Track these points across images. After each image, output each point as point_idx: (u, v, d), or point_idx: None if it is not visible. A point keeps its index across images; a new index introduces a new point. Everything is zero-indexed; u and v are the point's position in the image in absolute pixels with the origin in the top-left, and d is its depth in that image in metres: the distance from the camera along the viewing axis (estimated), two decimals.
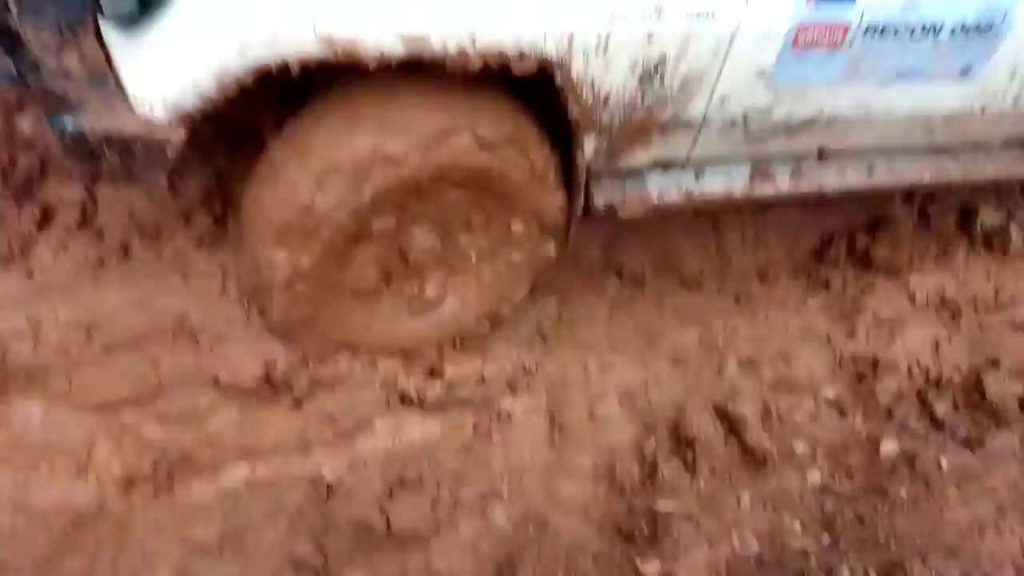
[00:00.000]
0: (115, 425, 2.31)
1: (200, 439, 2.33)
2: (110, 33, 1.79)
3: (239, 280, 2.49)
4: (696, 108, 2.21)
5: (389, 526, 2.10)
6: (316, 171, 1.96)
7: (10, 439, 2.21)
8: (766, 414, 2.43)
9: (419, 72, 1.85)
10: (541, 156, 2.18)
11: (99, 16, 1.76)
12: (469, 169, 2.09)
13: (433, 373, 2.50)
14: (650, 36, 1.94)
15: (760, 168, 2.62)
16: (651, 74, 2.05)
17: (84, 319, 2.34)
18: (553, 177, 2.25)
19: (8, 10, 1.59)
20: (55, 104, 1.73)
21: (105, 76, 1.82)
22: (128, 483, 2.19)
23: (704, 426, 2.33)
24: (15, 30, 1.62)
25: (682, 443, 2.32)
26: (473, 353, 2.60)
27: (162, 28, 1.71)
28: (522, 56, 1.85)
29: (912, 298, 3.16)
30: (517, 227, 2.36)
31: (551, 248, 2.46)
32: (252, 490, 2.11)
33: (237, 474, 2.14)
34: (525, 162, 2.14)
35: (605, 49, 1.93)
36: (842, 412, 2.59)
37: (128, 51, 1.76)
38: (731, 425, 2.40)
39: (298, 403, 2.38)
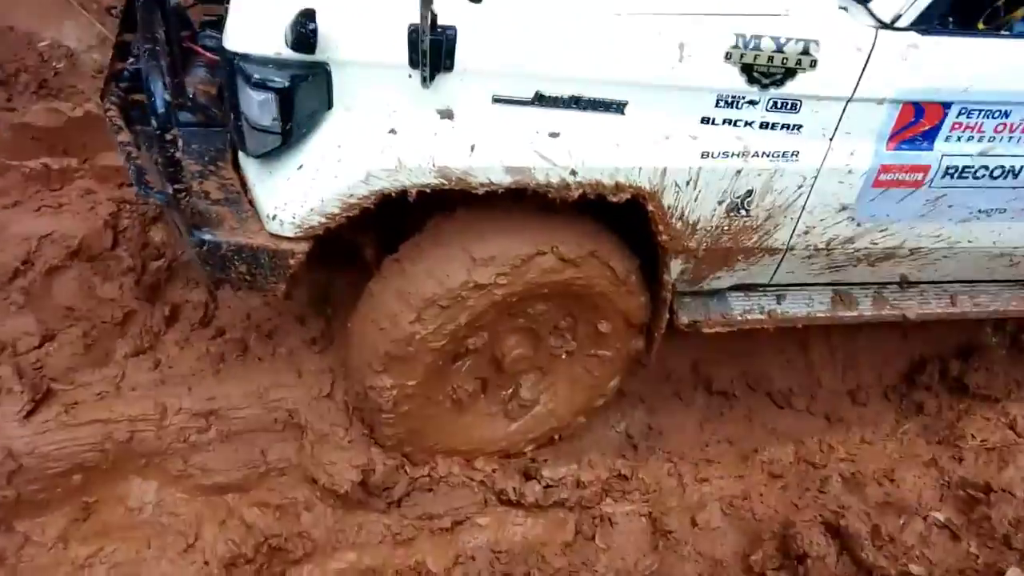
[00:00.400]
0: (222, 508, 2.39)
1: (294, 532, 2.37)
2: (247, 162, 2.06)
3: (346, 387, 2.61)
4: (780, 237, 2.32)
5: None
6: (415, 305, 2.12)
7: (126, 516, 2.31)
8: (876, 533, 2.35)
9: (504, 201, 2.01)
10: (622, 265, 2.30)
11: (240, 150, 2.04)
12: (554, 284, 2.22)
13: (529, 475, 2.52)
14: (738, 172, 2.08)
15: (841, 293, 2.68)
16: (738, 206, 2.17)
17: (205, 408, 2.47)
18: (636, 281, 2.36)
19: (176, 144, 1.85)
20: (196, 220, 1.97)
21: (239, 198, 2.08)
22: (231, 565, 2.23)
23: (815, 541, 2.26)
24: (179, 159, 1.87)
25: (792, 557, 2.24)
26: (568, 457, 2.62)
27: (297, 158, 1.94)
28: (618, 187, 2.00)
29: (1013, 426, 3.06)
30: (604, 327, 2.45)
31: (639, 342, 2.53)
32: None
33: (345, 560, 2.16)
34: (607, 272, 2.26)
35: (695, 183, 2.07)
36: (955, 536, 2.47)
37: (263, 176, 2.00)
38: (843, 542, 2.32)
39: (396, 504, 2.43)
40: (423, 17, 1.71)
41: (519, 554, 2.21)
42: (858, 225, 2.34)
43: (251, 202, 2.04)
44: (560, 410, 2.59)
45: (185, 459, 2.44)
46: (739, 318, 2.54)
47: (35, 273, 2.84)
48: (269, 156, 1.96)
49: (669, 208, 2.11)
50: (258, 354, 2.70)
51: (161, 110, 1.78)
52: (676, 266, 2.34)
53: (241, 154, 2.09)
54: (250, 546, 2.32)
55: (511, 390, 2.58)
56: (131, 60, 2.44)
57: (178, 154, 1.85)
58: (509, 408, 2.56)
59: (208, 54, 2.38)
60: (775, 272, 2.50)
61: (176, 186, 1.87)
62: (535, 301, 2.32)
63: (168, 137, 1.80)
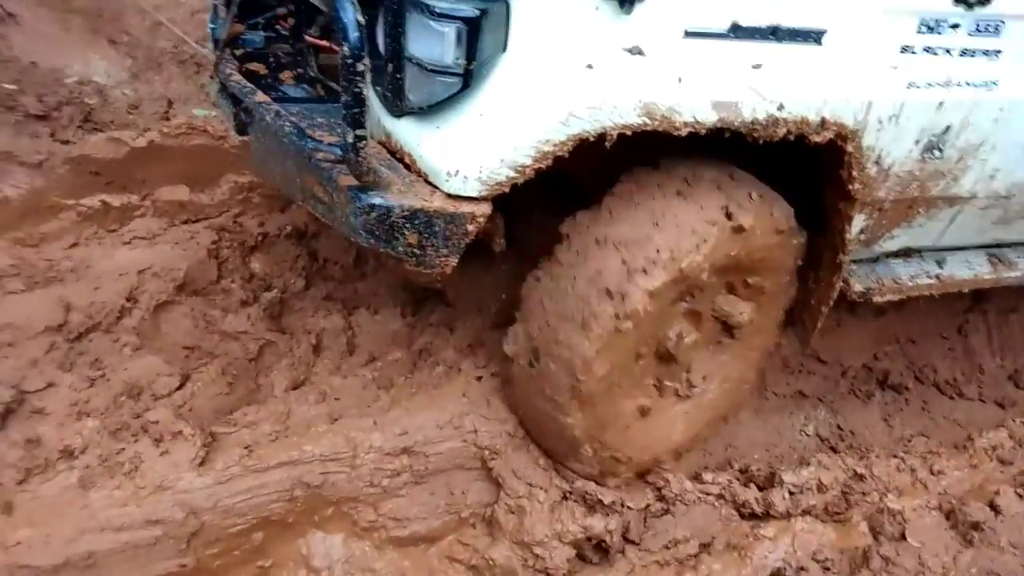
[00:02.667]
0: (423, 562, 2.02)
1: None
2: (397, 125, 1.77)
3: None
4: (966, 183, 2.20)
5: None
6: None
7: None
8: None
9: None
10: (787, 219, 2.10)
11: (389, 110, 1.76)
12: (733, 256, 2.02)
13: (761, 485, 2.25)
14: (940, 105, 1.96)
15: (997, 255, 2.61)
16: (934, 144, 2.05)
17: (397, 445, 2.10)
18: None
19: (364, 78, 1.53)
20: (369, 180, 1.66)
21: (393, 163, 1.78)
22: None
23: None
24: (365, 97, 1.55)
25: None
26: (785, 463, 2.38)
27: (475, 106, 1.69)
28: (823, 125, 1.85)
29: None
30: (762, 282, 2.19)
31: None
32: None
33: None
34: (777, 236, 2.07)
35: (898, 118, 1.94)
36: None
37: (429, 133, 1.73)
38: None
39: (634, 543, 2.10)
40: None
41: (829, 560, 1.92)
42: None
43: (409, 166, 1.76)
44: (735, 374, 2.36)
45: (376, 506, 2.04)
46: (909, 284, 2.41)
47: (142, 311, 2.42)
48: (436, 108, 1.69)
49: (867, 150, 1.95)
50: (424, 379, 2.34)
51: (354, 34, 1.48)
52: (858, 222, 2.14)
53: (384, 118, 1.79)
54: None
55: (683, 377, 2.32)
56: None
57: (366, 91, 1.54)
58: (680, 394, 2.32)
59: (322, 42, 2.16)
60: (946, 229, 2.37)
61: (358, 131, 1.55)
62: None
63: (359, 68, 1.49)
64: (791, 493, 2.17)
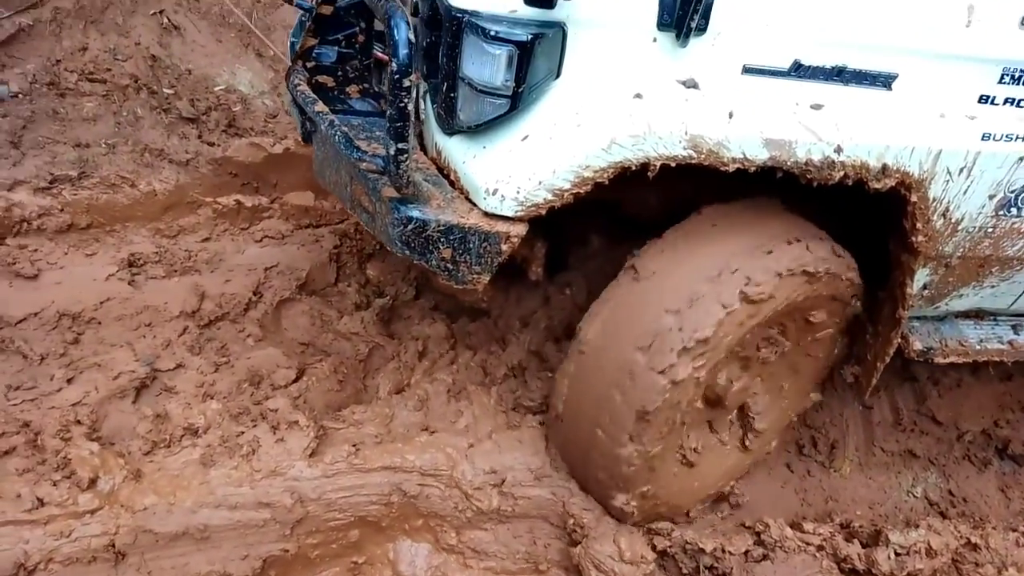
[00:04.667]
0: None
1: None
2: (447, 142, 1.79)
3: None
4: None
5: None
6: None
7: None
8: None
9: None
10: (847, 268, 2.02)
11: (443, 127, 1.78)
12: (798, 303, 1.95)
13: (864, 541, 2.16)
14: (1020, 160, 1.82)
15: None
16: (1010, 202, 1.91)
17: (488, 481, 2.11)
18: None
19: (410, 94, 1.57)
20: (409, 192, 1.68)
21: (439, 179, 1.81)
22: None
23: None
24: (409, 112, 1.57)
25: None
26: (889, 523, 2.27)
27: (520, 128, 1.69)
28: (884, 171, 1.74)
29: None
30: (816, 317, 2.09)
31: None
32: None
33: None
34: (839, 283, 1.99)
35: (969, 171, 1.81)
36: None
37: (474, 151, 1.74)
38: None
39: None
40: None
41: None
42: None
43: (453, 183, 1.78)
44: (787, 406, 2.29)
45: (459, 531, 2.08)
46: (977, 348, 2.26)
47: (266, 305, 2.58)
48: (484, 128, 1.71)
49: (933, 201, 1.83)
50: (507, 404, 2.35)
51: (403, 51, 1.51)
52: (921, 277, 2.03)
53: (437, 135, 1.84)
54: None
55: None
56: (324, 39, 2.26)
57: (411, 106, 1.57)
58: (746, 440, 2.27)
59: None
60: (1021, 295, 2.21)
61: (400, 144, 1.59)
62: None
63: (405, 84, 1.53)
64: (897, 554, 2.07)
